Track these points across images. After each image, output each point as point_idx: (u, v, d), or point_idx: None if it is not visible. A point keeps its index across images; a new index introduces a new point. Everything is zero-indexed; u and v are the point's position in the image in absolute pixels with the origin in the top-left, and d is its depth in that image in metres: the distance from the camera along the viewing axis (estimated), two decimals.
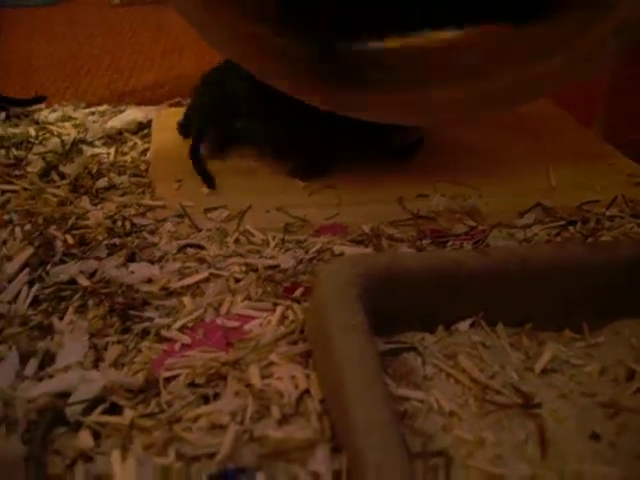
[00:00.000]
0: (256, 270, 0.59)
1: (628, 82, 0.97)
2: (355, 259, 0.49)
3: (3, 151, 0.83)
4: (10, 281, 0.60)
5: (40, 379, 0.50)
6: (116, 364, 0.51)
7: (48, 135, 0.89)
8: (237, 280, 0.58)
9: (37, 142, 0.87)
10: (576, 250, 0.53)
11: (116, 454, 0.44)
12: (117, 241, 0.64)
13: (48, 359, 0.52)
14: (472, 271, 0.51)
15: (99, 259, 0.62)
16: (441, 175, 0.75)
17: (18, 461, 0.43)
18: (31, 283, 0.60)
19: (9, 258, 0.62)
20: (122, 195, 0.74)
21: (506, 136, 0.85)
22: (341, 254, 0.61)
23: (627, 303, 0.53)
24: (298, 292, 0.56)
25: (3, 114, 0.92)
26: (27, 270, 0.61)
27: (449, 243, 0.65)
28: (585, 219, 0.69)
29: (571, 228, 0.68)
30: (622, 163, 0.81)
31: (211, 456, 0.42)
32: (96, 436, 0.45)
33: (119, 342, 0.53)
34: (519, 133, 0.86)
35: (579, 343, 0.52)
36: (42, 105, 0.99)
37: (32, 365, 0.52)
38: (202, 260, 0.61)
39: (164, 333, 0.53)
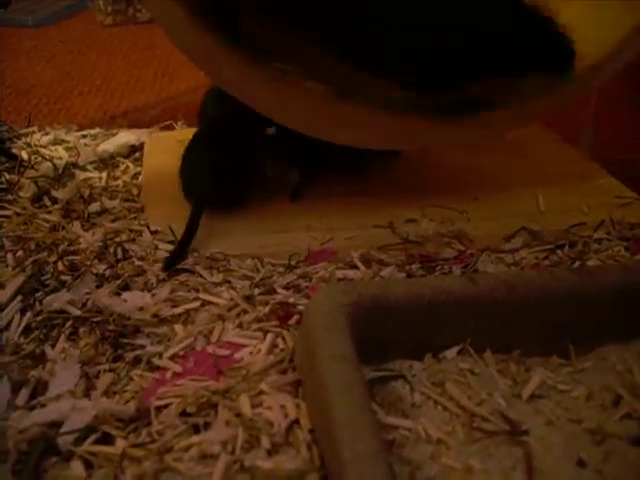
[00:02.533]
0: (248, 298, 0.60)
1: (615, 100, 0.99)
2: (344, 287, 0.49)
3: None
4: (2, 309, 0.60)
5: (32, 408, 0.51)
6: (107, 393, 0.51)
7: (40, 159, 0.89)
8: (229, 308, 0.59)
9: (29, 166, 0.87)
10: (564, 276, 0.53)
11: None
12: (109, 268, 0.65)
13: (40, 388, 0.53)
14: (460, 299, 0.51)
15: (91, 287, 0.62)
16: (428, 199, 0.76)
17: None
18: (23, 311, 0.60)
19: (1, 285, 0.63)
20: (114, 220, 0.74)
21: (493, 158, 0.86)
22: (343, 279, 0.62)
23: (614, 329, 0.54)
24: (293, 320, 0.57)
25: None
26: (19, 298, 0.61)
27: (438, 267, 0.66)
28: (572, 242, 0.70)
29: (559, 252, 0.69)
30: (609, 183, 0.82)
31: None
32: (88, 466, 0.46)
33: (110, 370, 0.54)
34: (505, 154, 0.87)
35: (566, 369, 0.52)
36: (34, 128, 0.99)
37: (24, 394, 0.52)
38: (193, 287, 0.62)
39: (155, 361, 0.53)
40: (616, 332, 0.54)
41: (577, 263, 0.66)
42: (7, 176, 0.84)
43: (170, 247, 0.68)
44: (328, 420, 0.41)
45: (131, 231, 0.71)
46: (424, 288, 0.51)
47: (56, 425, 0.49)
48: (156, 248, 0.68)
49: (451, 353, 0.52)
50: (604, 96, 0.98)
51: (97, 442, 0.47)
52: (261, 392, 0.49)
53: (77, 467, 0.46)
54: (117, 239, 0.70)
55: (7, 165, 0.86)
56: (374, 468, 0.37)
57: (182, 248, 0.67)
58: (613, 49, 0.70)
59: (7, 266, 0.66)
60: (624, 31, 0.69)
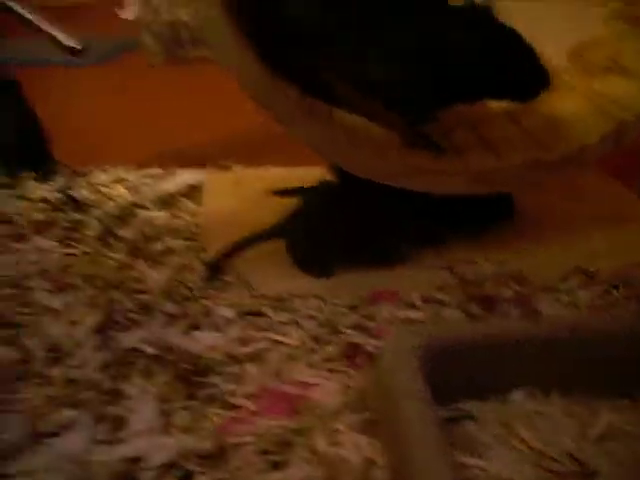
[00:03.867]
0: (315, 338, 0.62)
1: None
2: (417, 330, 0.51)
3: (62, 214, 0.87)
4: (79, 346, 0.63)
5: (111, 443, 0.53)
6: (185, 430, 0.53)
7: (102, 197, 0.93)
8: (298, 348, 0.61)
9: (92, 205, 0.90)
10: (626, 318, 0.55)
11: None
12: (177, 308, 0.67)
13: (119, 423, 0.55)
14: (524, 341, 0.53)
15: (161, 326, 0.64)
16: (485, 240, 0.77)
17: None
18: (98, 348, 0.63)
19: (75, 322, 0.65)
20: (177, 259, 0.77)
21: (550, 199, 0.87)
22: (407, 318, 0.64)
23: None
24: (361, 359, 0.59)
25: (59, 179, 0.96)
26: (94, 336, 0.64)
27: (497, 308, 0.67)
28: (628, 282, 0.71)
29: (615, 292, 0.70)
30: None
31: None
32: None
33: (185, 408, 0.56)
34: (562, 196, 0.88)
35: (632, 410, 0.53)
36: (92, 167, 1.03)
37: (104, 429, 0.54)
38: (262, 327, 0.64)
39: (230, 399, 0.56)
40: None
41: (634, 303, 0.67)
42: (74, 215, 0.87)
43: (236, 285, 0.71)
44: (406, 460, 0.43)
45: (194, 270, 0.74)
46: (489, 331, 0.52)
47: (137, 460, 0.51)
48: (221, 289, 0.70)
49: (518, 394, 0.53)
50: None
51: (178, 477, 0.49)
52: (336, 431, 0.51)
53: None
54: (181, 278, 0.72)
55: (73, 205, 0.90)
56: None
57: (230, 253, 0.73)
58: (603, 138, 0.74)
59: (80, 304, 0.68)
60: (613, 125, 0.74)
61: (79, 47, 0.85)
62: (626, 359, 0.54)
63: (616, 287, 0.70)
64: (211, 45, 0.70)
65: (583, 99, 0.80)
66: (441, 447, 0.43)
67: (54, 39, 0.87)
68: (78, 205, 0.90)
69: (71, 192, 0.93)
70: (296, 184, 0.87)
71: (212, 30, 0.68)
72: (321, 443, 0.50)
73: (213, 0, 0.67)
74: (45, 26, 0.85)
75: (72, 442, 0.53)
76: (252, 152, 1.10)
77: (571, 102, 0.80)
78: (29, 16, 1.04)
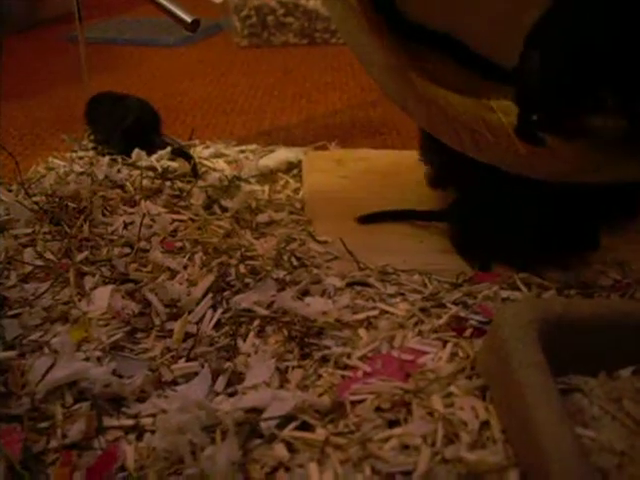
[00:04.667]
0: (423, 310, 0.65)
1: None
2: (532, 303, 0.53)
3: (169, 182, 0.91)
4: (197, 304, 0.66)
5: (230, 395, 0.57)
6: (301, 386, 0.57)
7: (206, 170, 0.97)
8: (407, 318, 0.63)
9: (195, 177, 0.94)
10: None
11: (313, 467, 0.49)
12: (288, 275, 0.70)
13: (235, 378, 0.58)
14: (634, 320, 0.54)
15: (273, 290, 0.68)
16: None
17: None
18: (214, 308, 0.66)
19: (193, 283, 0.69)
20: (283, 230, 0.80)
21: None
22: (507, 298, 0.66)
23: None
24: (467, 332, 0.61)
25: (165, 150, 1.00)
26: (210, 296, 0.68)
27: (596, 295, 0.69)
28: None
29: None
30: None
31: (407, 474, 0.47)
32: (290, 449, 0.51)
33: (300, 367, 0.59)
34: None
35: None
36: (196, 141, 1.07)
37: (221, 382, 0.58)
38: (370, 297, 0.67)
39: (344, 361, 0.59)
40: None
41: None
42: (179, 184, 0.92)
43: (342, 257, 0.74)
44: (528, 422, 0.45)
45: (302, 242, 0.77)
46: (604, 309, 0.54)
47: (256, 411, 0.54)
48: (330, 260, 0.73)
49: (626, 372, 0.55)
50: None
51: (297, 429, 0.53)
52: (451, 394, 0.53)
53: (280, 449, 0.51)
54: (290, 247, 0.76)
55: (178, 174, 0.94)
56: (580, 467, 0.41)
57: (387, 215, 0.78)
58: None
59: (194, 266, 0.72)
60: None
61: (192, 19, 0.89)
62: None
63: None
64: (340, 29, 0.72)
65: None
66: (563, 412, 0.45)
67: (170, 13, 0.90)
68: (189, 159, 0.95)
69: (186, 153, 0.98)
70: (391, 167, 0.89)
71: (343, 19, 0.70)
72: (438, 404, 0.52)
73: None
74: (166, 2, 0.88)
75: (194, 391, 0.57)
76: (344, 134, 1.13)
77: None
78: None
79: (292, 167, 0.98)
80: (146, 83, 1.50)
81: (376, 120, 1.24)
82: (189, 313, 0.65)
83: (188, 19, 0.92)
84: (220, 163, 1.00)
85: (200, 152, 1.03)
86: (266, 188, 0.92)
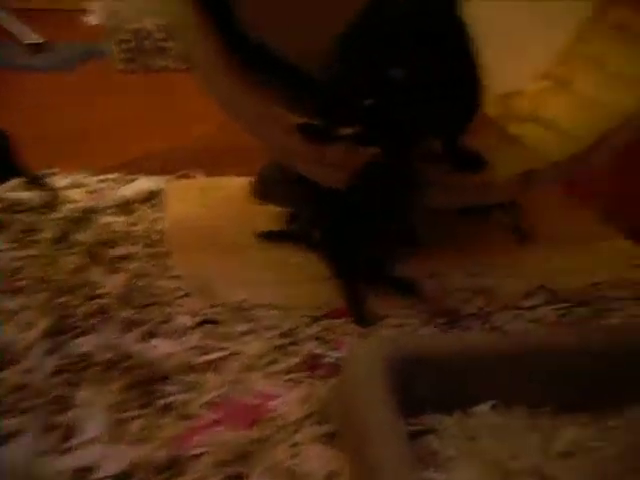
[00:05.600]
0: (276, 348, 0.60)
1: (630, 165, 1.01)
2: (383, 340, 0.50)
3: (19, 216, 0.84)
4: (28, 350, 0.60)
5: (60, 452, 0.51)
6: (138, 439, 0.51)
7: (60, 202, 0.90)
8: (258, 358, 0.59)
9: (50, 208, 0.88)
10: (591, 334, 0.55)
11: None
12: (135, 313, 0.65)
13: (69, 432, 0.53)
14: (491, 355, 0.52)
15: (118, 332, 0.62)
16: (447, 255, 0.77)
17: None
18: (50, 353, 0.60)
19: (27, 325, 0.63)
20: (137, 265, 0.75)
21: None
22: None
23: None
24: (322, 371, 0.57)
25: (16, 180, 0.93)
26: (46, 340, 0.61)
27: (460, 323, 0.66)
28: (590, 301, 0.71)
29: (578, 310, 0.70)
30: (623, 245, 0.84)
31: None
32: None
33: (140, 417, 0.54)
34: (524, 213, 0.88)
35: (596, 426, 0.53)
36: (55, 170, 1.00)
37: (54, 438, 0.52)
38: (222, 336, 0.62)
39: (187, 409, 0.54)
40: None
41: (596, 322, 0.67)
42: (30, 217, 0.85)
43: (196, 292, 0.69)
44: (371, 471, 0.41)
45: (154, 277, 0.72)
46: (459, 344, 0.52)
47: (87, 470, 0.49)
48: (182, 296, 0.69)
49: (483, 408, 0.52)
50: (619, 162, 1.00)
51: None
52: (298, 443, 0.49)
53: None
54: (141, 284, 0.70)
55: (31, 205, 0.87)
56: None
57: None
58: (509, 180, 0.76)
59: (31, 307, 0.66)
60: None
61: (39, 42, 0.83)
62: (593, 375, 0.54)
63: (579, 305, 0.70)
64: (184, 52, 0.68)
65: (501, 139, 0.83)
66: (406, 462, 0.42)
67: (14, 37, 0.84)
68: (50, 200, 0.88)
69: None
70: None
71: (184, 37, 0.66)
72: (282, 455, 0.48)
73: (188, 10, 0.66)
74: (6, 23, 0.82)
75: (19, 452, 0.50)
76: (212, 162, 1.08)
77: (489, 140, 0.82)
78: None
79: (153, 197, 0.92)
80: (15, 109, 1.41)
81: (245, 147, 1.20)
82: (20, 361, 0.59)
83: (35, 41, 0.85)
84: (78, 193, 0.94)
85: (58, 182, 0.96)
86: (124, 220, 0.86)
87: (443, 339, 0.53)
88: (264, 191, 0.82)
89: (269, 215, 0.84)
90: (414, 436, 0.50)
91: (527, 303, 0.70)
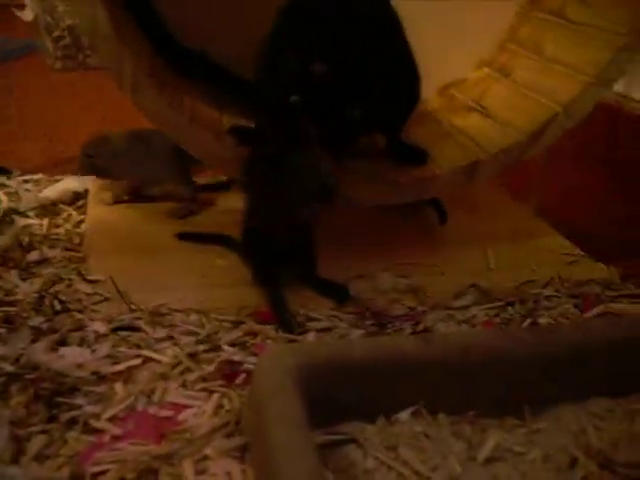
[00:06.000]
0: (192, 355, 0.57)
1: (562, 161, 1.00)
2: (295, 348, 0.47)
3: None
4: None
5: None
6: (39, 457, 0.48)
7: None
8: (172, 366, 0.56)
9: None
10: (518, 336, 0.53)
11: None
12: (46, 322, 0.61)
13: None
14: (413, 360, 0.50)
15: (26, 341, 0.59)
16: (378, 254, 0.75)
17: None
18: None
19: None
20: (54, 270, 0.71)
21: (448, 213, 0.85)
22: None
23: (568, 388, 0.53)
24: (240, 379, 0.54)
25: None
26: None
27: (389, 325, 0.64)
28: (522, 300, 0.69)
29: (509, 309, 0.68)
30: (557, 241, 0.83)
31: None
32: None
33: (43, 432, 0.50)
34: (456, 210, 0.87)
35: (521, 430, 0.51)
36: None
37: None
38: (135, 343, 0.59)
39: (93, 423, 0.50)
40: (570, 392, 0.53)
41: (528, 320, 0.66)
42: None
43: (112, 298, 0.65)
44: None
45: (70, 282, 0.68)
46: (376, 349, 0.49)
47: None
48: (98, 302, 0.65)
49: (404, 415, 0.50)
50: (550, 157, 0.99)
51: None
52: (206, 457, 0.46)
53: None
54: (55, 290, 0.67)
55: None
56: None
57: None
58: (454, 170, 0.75)
59: None
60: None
61: None
62: (518, 378, 0.52)
63: (511, 304, 0.69)
64: (93, 48, 0.65)
65: (444, 132, 0.82)
66: (314, 476, 0.39)
67: None
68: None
69: None
70: None
71: (93, 33, 0.63)
72: (188, 471, 0.45)
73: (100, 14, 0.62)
74: None
75: None
76: None
77: (432, 132, 0.82)
78: None
79: (78, 198, 0.89)
80: None
81: None
82: None
83: None
84: None
85: None
86: (45, 222, 0.82)
87: (360, 344, 0.50)
88: (96, 166, 0.81)
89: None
90: (331, 447, 0.47)
91: (458, 303, 0.68)
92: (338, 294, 0.68)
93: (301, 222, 0.67)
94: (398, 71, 0.75)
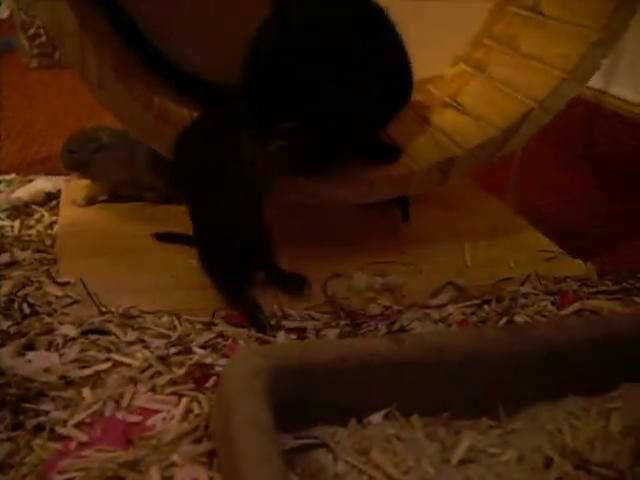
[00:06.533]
0: (163, 358, 0.56)
1: (539, 158, 1.00)
2: (265, 349, 0.47)
3: None
4: None
5: None
6: (3, 467, 0.47)
7: None
8: (142, 370, 0.55)
9: None
10: (493, 336, 0.52)
11: None
12: (14, 325, 0.60)
13: None
14: (385, 361, 0.49)
15: None
16: (354, 253, 0.74)
17: None
18: None
19: None
20: (24, 272, 0.70)
21: (419, 210, 0.85)
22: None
23: (543, 388, 0.52)
24: (210, 382, 0.53)
25: None
26: None
27: (364, 325, 0.64)
28: (499, 297, 0.69)
29: (486, 307, 0.67)
30: (534, 238, 0.82)
31: None
32: None
33: (9, 440, 0.49)
34: (432, 207, 0.86)
35: (496, 430, 0.50)
36: None
37: None
38: (105, 347, 0.58)
39: (59, 430, 0.49)
40: (546, 391, 0.52)
41: (504, 318, 0.65)
42: None
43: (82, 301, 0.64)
44: None
45: (40, 285, 0.67)
46: (348, 350, 0.48)
47: None
48: (68, 305, 0.64)
49: (377, 417, 0.49)
50: (528, 154, 0.99)
51: None
52: (172, 464, 0.45)
53: None
54: (25, 293, 0.65)
55: None
56: None
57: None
58: (430, 167, 0.75)
59: None
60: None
61: None
62: (492, 378, 0.51)
63: (488, 302, 0.68)
64: (57, 42, 0.63)
65: (419, 128, 0.82)
66: (282, 477, 0.38)
67: None
68: None
69: None
70: None
71: (59, 33, 0.62)
72: (155, 478, 0.44)
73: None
74: None
75: None
76: None
77: (408, 129, 0.82)
78: None
79: (51, 199, 0.87)
80: None
81: None
82: None
83: None
84: None
85: None
86: (17, 223, 0.81)
87: (331, 345, 0.50)
88: (79, 160, 0.82)
89: (167, 217, 0.80)
90: (301, 451, 0.46)
91: (434, 302, 0.68)
92: (296, 284, 0.68)
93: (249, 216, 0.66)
94: (391, 74, 0.73)
